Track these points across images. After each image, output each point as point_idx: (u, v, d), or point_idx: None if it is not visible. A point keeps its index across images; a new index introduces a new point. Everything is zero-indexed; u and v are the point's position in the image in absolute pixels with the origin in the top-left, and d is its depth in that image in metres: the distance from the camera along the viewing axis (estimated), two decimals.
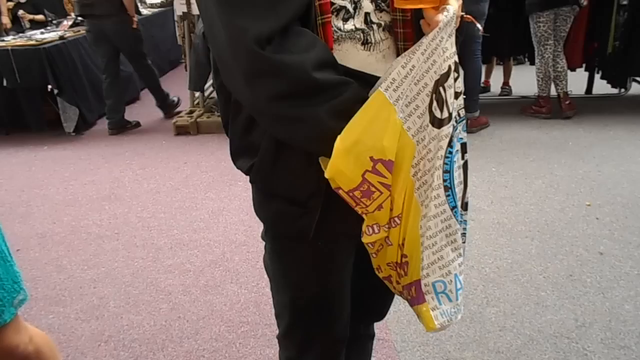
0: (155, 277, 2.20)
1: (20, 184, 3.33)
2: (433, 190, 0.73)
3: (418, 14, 0.80)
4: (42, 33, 4.54)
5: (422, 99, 0.71)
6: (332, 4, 0.75)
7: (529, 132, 3.62)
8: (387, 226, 0.76)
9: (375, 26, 0.79)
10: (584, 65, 3.98)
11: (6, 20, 5.19)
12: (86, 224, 2.72)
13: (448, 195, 0.75)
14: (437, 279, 0.78)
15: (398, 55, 0.81)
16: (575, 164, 3.04)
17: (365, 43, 0.79)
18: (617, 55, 3.72)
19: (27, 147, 4.01)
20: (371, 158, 0.69)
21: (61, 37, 4.19)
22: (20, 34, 4.66)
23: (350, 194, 0.71)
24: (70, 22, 4.73)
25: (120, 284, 2.17)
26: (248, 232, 2.51)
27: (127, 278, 2.21)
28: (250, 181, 0.88)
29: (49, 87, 4.01)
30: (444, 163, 0.73)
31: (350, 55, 0.78)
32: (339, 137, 0.68)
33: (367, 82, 0.78)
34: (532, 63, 3.90)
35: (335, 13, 0.76)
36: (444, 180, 0.74)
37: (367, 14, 0.78)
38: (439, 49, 0.70)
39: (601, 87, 4.14)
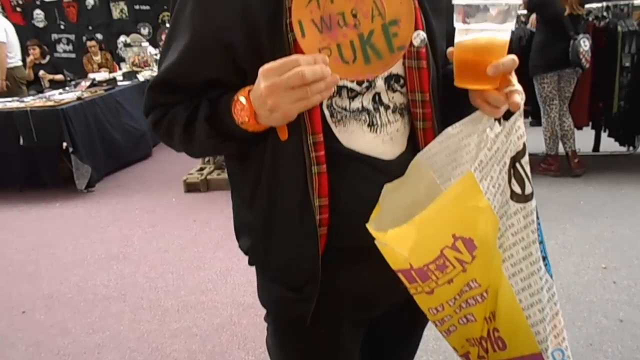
0: (161, 342, 2.15)
1: (31, 242, 3.34)
2: (534, 263, 0.76)
3: (435, 95, 0.81)
4: (60, 93, 4.70)
5: (502, 176, 0.73)
6: None
7: (539, 190, 3.59)
8: (453, 301, 0.77)
9: (382, 108, 0.78)
10: (590, 123, 4.01)
11: (2, 84, 5.37)
12: (93, 285, 2.70)
13: (546, 265, 0.78)
14: (555, 348, 0.80)
15: (409, 137, 0.81)
16: (588, 224, 3.00)
17: (372, 125, 0.78)
18: (622, 115, 3.75)
19: (39, 204, 4.06)
20: (453, 235, 0.70)
21: (79, 98, 4.34)
22: (40, 94, 4.83)
23: (424, 268, 0.72)
24: (88, 83, 4.90)
25: (125, 349, 2.12)
26: (256, 294, 2.46)
27: (132, 343, 2.16)
28: (249, 263, 0.87)
29: (64, 144, 4.12)
30: (537, 235, 0.76)
31: (356, 137, 0.77)
32: (420, 215, 0.69)
33: (372, 165, 0.78)
34: (538, 124, 3.94)
35: (338, 93, 0.76)
36: (540, 251, 0.77)
37: (377, 94, 0.78)
38: (514, 127, 0.73)
39: (609, 144, 4.15)
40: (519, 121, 0.73)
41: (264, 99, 0.66)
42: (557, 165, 3.80)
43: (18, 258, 3.10)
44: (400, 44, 0.70)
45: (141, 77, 5.79)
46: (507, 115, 0.74)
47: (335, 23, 0.68)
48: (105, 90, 4.80)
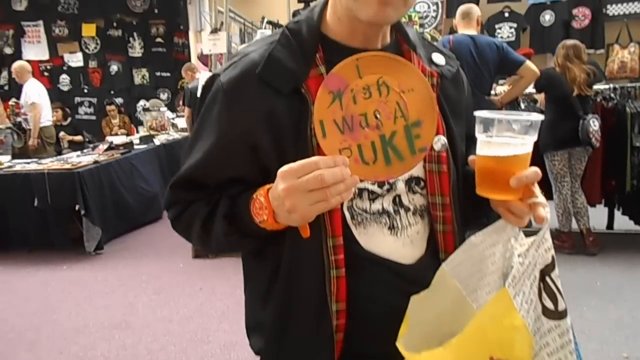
0: None
1: (34, 306, 3.28)
2: None
3: (455, 198, 0.81)
4: (78, 156, 4.82)
5: (533, 291, 0.72)
6: None
7: None
8: None
9: (403, 210, 0.78)
10: (603, 201, 3.98)
11: (34, 142, 5.64)
12: (93, 355, 2.62)
13: None
14: None
15: (429, 239, 0.80)
16: (606, 308, 2.90)
17: (392, 228, 0.77)
18: (636, 193, 3.73)
19: (47, 265, 4.03)
20: (491, 358, 0.67)
21: (95, 161, 4.43)
22: (58, 157, 4.95)
23: None
24: (105, 146, 5.03)
25: None
26: None
27: None
28: None
29: (76, 206, 4.15)
30: (576, 358, 0.74)
31: (376, 239, 0.77)
32: (457, 337, 0.66)
33: (392, 269, 0.77)
34: (550, 198, 3.92)
35: (359, 195, 0.76)
36: None
37: (398, 196, 0.78)
38: (542, 239, 0.72)
39: (623, 222, 4.10)
40: (546, 233, 0.72)
41: (282, 200, 0.65)
42: (570, 242, 3.73)
43: (19, 323, 3.04)
44: (422, 145, 0.70)
45: (157, 141, 5.94)
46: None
47: (357, 124, 0.68)
48: (122, 153, 4.91)
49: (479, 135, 0.73)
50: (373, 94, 0.68)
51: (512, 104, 4.09)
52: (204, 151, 0.78)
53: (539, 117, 0.70)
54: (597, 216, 3.98)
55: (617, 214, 4.04)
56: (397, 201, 0.78)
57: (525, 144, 0.71)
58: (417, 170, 0.79)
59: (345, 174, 0.63)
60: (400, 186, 0.78)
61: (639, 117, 3.63)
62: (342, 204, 0.74)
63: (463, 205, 0.83)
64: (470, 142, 0.89)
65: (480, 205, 0.78)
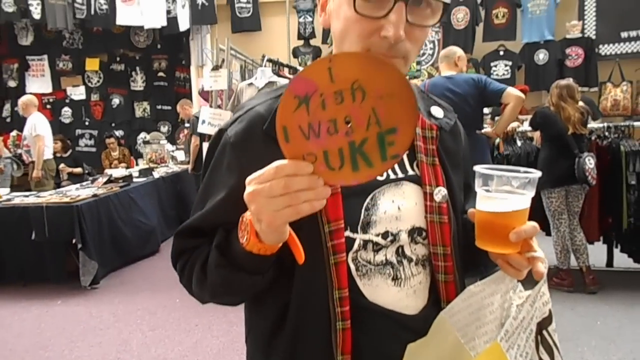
0: None
1: (27, 343, 3.23)
2: None
3: (456, 248, 0.82)
4: (77, 189, 4.83)
5: (529, 344, 0.72)
6: (351, 239, 0.76)
7: (553, 306, 3.48)
8: None
9: (406, 260, 0.79)
10: (601, 238, 3.98)
11: (38, 174, 5.66)
12: None
13: None
14: None
15: (431, 289, 0.81)
16: (607, 349, 2.86)
17: (396, 278, 0.78)
18: (633, 231, 3.74)
19: (41, 300, 3.98)
20: None
21: (94, 195, 4.44)
22: (57, 190, 4.96)
23: None
24: (104, 179, 5.04)
25: None
26: None
27: None
28: None
29: (73, 240, 4.13)
30: None
31: (380, 291, 0.77)
32: None
33: (396, 320, 0.77)
34: (549, 234, 3.92)
35: (363, 246, 0.77)
36: None
37: (401, 247, 0.79)
38: (539, 294, 0.73)
39: (623, 259, 4.09)
40: (543, 287, 0.74)
41: (249, 206, 0.64)
42: (570, 280, 3.72)
43: None
44: (395, 152, 0.65)
45: (156, 173, 5.97)
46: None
47: (324, 130, 0.62)
48: (121, 186, 4.93)
49: (479, 189, 0.75)
50: (345, 99, 0.62)
51: (509, 141, 4.16)
52: (213, 204, 0.79)
53: (537, 174, 0.73)
54: (596, 253, 3.97)
55: (616, 251, 4.04)
56: (401, 252, 0.79)
57: (523, 200, 0.73)
58: (419, 221, 0.80)
59: (313, 182, 0.61)
60: (404, 237, 0.79)
61: (634, 156, 3.68)
62: (347, 256, 0.75)
63: (462, 253, 0.84)
64: (468, 190, 0.91)
65: (479, 255, 0.79)
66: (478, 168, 0.74)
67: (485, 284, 0.76)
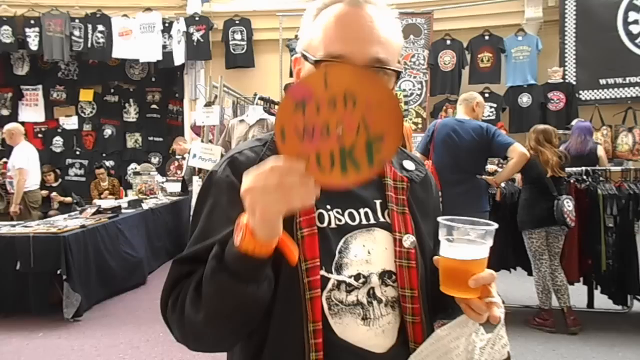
0: None
1: None
2: None
3: (424, 291, 0.88)
4: (65, 219, 4.82)
5: None
6: (326, 278, 0.83)
7: (535, 346, 3.52)
8: None
9: (376, 302, 0.85)
10: (581, 279, 4.06)
11: (16, 208, 5.58)
12: None
13: None
14: None
15: (400, 329, 0.87)
16: None
17: (365, 318, 0.84)
18: (612, 273, 3.82)
19: (22, 332, 3.92)
20: None
21: (82, 226, 4.44)
22: (45, 220, 4.95)
23: None
24: (93, 210, 5.05)
25: None
26: None
27: None
28: None
29: (58, 271, 4.10)
30: None
31: (350, 329, 0.83)
32: None
33: (364, 358, 0.83)
34: (530, 274, 3.99)
35: (337, 286, 0.84)
36: None
37: (372, 288, 0.85)
38: (497, 337, 0.79)
39: (603, 300, 4.16)
40: (501, 330, 0.80)
41: (244, 200, 0.69)
42: (552, 320, 3.76)
43: None
44: (382, 158, 0.71)
45: (145, 205, 5.97)
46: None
47: (318, 133, 0.68)
48: (109, 217, 4.93)
49: (442, 238, 0.82)
50: (338, 105, 0.68)
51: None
52: (215, 239, 0.81)
53: (493, 227, 0.81)
54: (577, 294, 4.03)
55: (597, 292, 4.11)
56: (372, 293, 0.85)
57: (482, 249, 0.80)
58: (389, 265, 0.87)
59: (305, 180, 0.67)
60: (375, 279, 0.86)
61: (611, 199, 3.80)
62: (322, 293, 0.82)
63: (432, 296, 0.91)
64: (437, 238, 0.99)
65: (446, 297, 0.85)
66: (441, 219, 0.82)
67: (451, 328, 0.83)
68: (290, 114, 0.69)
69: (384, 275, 0.87)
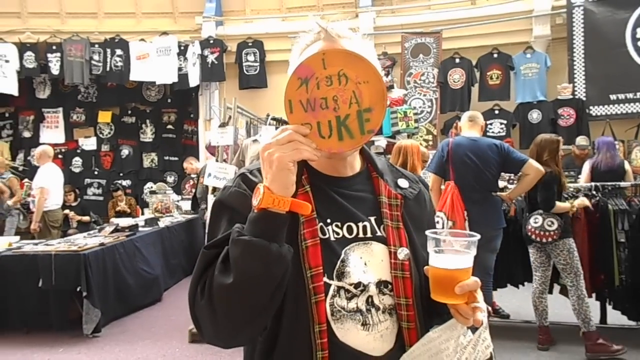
0: None
1: None
2: None
3: (418, 299, 0.96)
4: (84, 237, 4.97)
5: None
6: (329, 285, 0.92)
7: None
8: None
9: (374, 309, 0.94)
10: (594, 295, 4.04)
11: (35, 226, 5.72)
12: None
13: None
14: None
15: (398, 334, 0.95)
16: None
17: (365, 324, 0.93)
18: (626, 289, 3.80)
19: (43, 348, 4.03)
20: None
21: (101, 244, 4.58)
22: (65, 238, 5.11)
23: None
24: (111, 229, 5.19)
25: None
26: None
27: None
28: None
29: (78, 288, 4.23)
30: None
31: (350, 334, 0.92)
32: None
33: None
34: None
35: (338, 293, 0.93)
36: None
37: (370, 297, 0.94)
38: (480, 339, 0.86)
39: (617, 315, 4.12)
40: (484, 334, 0.88)
41: (263, 155, 0.83)
42: (544, 337, 3.74)
43: None
44: (371, 127, 0.86)
45: (162, 223, 6.12)
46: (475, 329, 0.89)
47: (318, 105, 0.84)
48: (127, 236, 5.07)
49: (430, 249, 0.91)
50: (334, 82, 0.84)
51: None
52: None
53: (476, 237, 0.89)
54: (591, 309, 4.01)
55: (609, 307, 4.08)
56: (370, 301, 0.94)
57: (467, 258, 0.89)
58: (385, 275, 0.96)
59: (309, 141, 0.83)
60: (372, 288, 0.94)
61: (622, 214, 3.81)
62: (325, 298, 0.91)
63: (428, 303, 0.99)
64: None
65: (440, 304, 0.94)
66: (429, 232, 0.91)
67: (442, 330, 0.91)
68: (296, 90, 0.84)
69: (381, 284, 0.95)
